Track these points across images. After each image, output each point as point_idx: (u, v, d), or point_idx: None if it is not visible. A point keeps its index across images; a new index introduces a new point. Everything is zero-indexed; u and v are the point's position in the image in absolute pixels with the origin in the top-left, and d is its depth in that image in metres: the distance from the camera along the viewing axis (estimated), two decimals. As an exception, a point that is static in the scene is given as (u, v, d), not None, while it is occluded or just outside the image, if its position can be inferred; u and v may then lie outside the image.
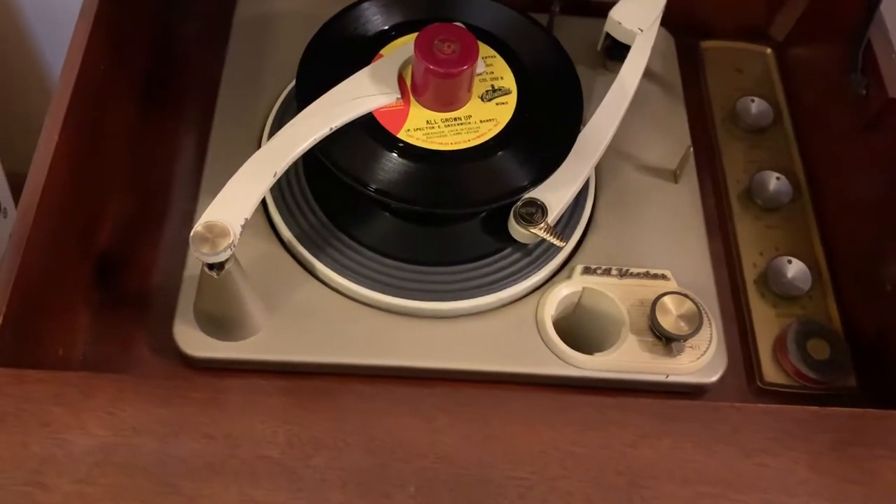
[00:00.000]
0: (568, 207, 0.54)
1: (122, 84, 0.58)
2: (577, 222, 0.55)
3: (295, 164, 0.49)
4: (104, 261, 0.53)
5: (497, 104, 0.51)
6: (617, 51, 0.61)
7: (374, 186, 0.48)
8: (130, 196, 0.57)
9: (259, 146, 0.56)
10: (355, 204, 0.53)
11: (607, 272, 0.54)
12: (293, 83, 0.58)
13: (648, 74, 0.62)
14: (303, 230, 0.53)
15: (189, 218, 0.54)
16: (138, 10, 0.61)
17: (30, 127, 0.95)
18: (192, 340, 0.49)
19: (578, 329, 0.55)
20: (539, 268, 0.53)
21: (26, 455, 0.37)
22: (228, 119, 0.58)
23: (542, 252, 0.54)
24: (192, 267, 0.51)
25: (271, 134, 0.57)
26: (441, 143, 0.49)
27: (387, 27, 0.53)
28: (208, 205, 0.53)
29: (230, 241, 0.42)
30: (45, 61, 0.91)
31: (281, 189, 0.54)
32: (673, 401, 0.41)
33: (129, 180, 0.57)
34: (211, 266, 0.44)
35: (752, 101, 0.64)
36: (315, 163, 0.51)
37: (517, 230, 0.52)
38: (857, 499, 0.39)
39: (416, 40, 0.48)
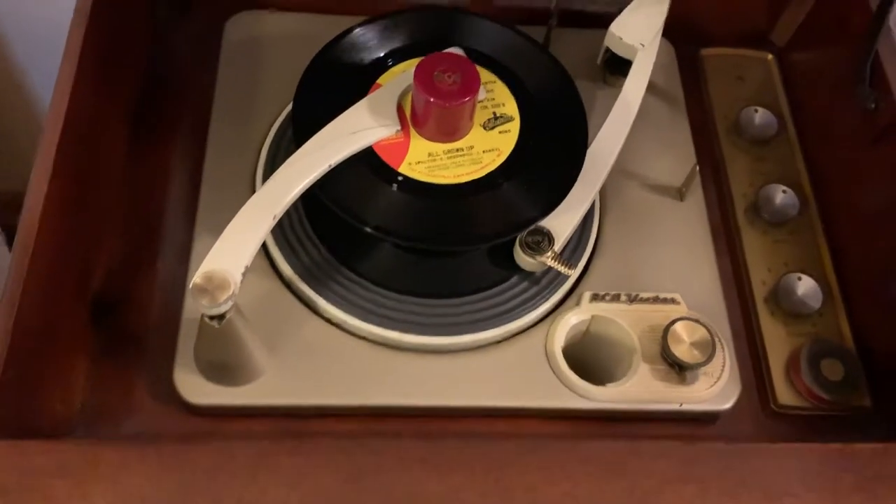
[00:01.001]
0: (574, 231, 0.53)
1: (112, 114, 0.56)
2: (584, 247, 0.54)
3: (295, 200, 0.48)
4: (100, 303, 0.51)
5: (500, 132, 0.50)
6: (617, 64, 0.60)
7: (375, 224, 0.46)
8: (124, 232, 0.55)
9: (254, 177, 0.55)
10: (358, 237, 0.51)
11: (616, 298, 0.53)
12: (288, 108, 0.57)
13: (649, 87, 0.60)
14: (304, 266, 0.51)
15: (185, 252, 0.52)
16: (126, 36, 0.59)
17: (10, 145, 0.93)
18: (194, 387, 0.48)
19: (587, 356, 0.54)
20: (547, 296, 0.52)
21: (29, 531, 0.35)
22: (221, 149, 0.56)
23: (550, 280, 0.52)
24: (190, 311, 0.49)
25: (267, 163, 0.55)
26: (444, 177, 0.48)
27: (382, 55, 0.51)
28: (204, 242, 0.51)
29: (230, 293, 0.41)
30: (26, 78, 0.89)
31: (280, 224, 0.52)
32: (695, 445, 0.40)
33: (123, 215, 0.55)
34: (211, 316, 0.43)
35: (756, 111, 0.63)
36: (315, 197, 0.49)
37: (524, 259, 0.51)
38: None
39: (416, 71, 0.46)
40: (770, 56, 0.67)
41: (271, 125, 0.57)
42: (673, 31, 0.63)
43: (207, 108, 0.58)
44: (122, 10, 0.57)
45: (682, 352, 0.50)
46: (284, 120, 0.57)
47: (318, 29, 0.55)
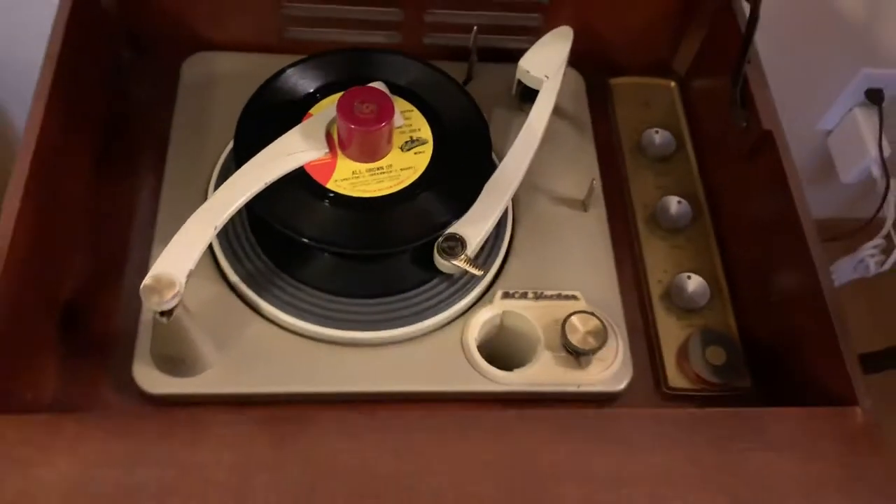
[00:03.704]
0: (490, 238, 0.60)
1: (78, 148, 0.64)
2: (498, 252, 0.62)
3: (240, 213, 0.56)
4: (68, 312, 0.58)
5: (415, 153, 0.57)
6: (529, 94, 0.68)
7: (309, 235, 0.54)
8: (91, 252, 0.62)
9: (205, 199, 0.62)
10: (295, 247, 0.59)
11: (524, 296, 0.60)
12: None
13: (560, 113, 0.69)
14: (248, 272, 0.58)
15: (145, 268, 0.59)
16: (91, 78, 0.66)
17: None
18: (151, 379, 0.55)
19: (502, 349, 0.61)
20: (463, 295, 0.59)
21: (0, 490, 0.42)
22: (177, 175, 0.63)
23: (466, 281, 0.60)
24: (148, 313, 0.56)
25: (217, 187, 0.63)
26: (366, 191, 0.55)
27: (313, 90, 0.59)
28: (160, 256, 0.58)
29: (176, 291, 0.48)
30: (7, 110, 0.95)
31: (227, 236, 0.59)
32: (572, 410, 0.47)
33: (90, 238, 0.62)
34: (161, 313, 0.50)
35: (656, 132, 0.71)
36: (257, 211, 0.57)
37: (441, 263, 0.58)
38: (728, 485, 0.45)
39: (339, 103, 0.54)
40: (673, 83, 0.75)
41: (221, 153, 0.64)
42: (585, 62, 0.71)
43: (164, 144, 0.65)
44: (87, 53, 0.64)
45: (577, 339, 0.57)
46: (230, 152, 0.64)
47: (266, 69, 0.62)
